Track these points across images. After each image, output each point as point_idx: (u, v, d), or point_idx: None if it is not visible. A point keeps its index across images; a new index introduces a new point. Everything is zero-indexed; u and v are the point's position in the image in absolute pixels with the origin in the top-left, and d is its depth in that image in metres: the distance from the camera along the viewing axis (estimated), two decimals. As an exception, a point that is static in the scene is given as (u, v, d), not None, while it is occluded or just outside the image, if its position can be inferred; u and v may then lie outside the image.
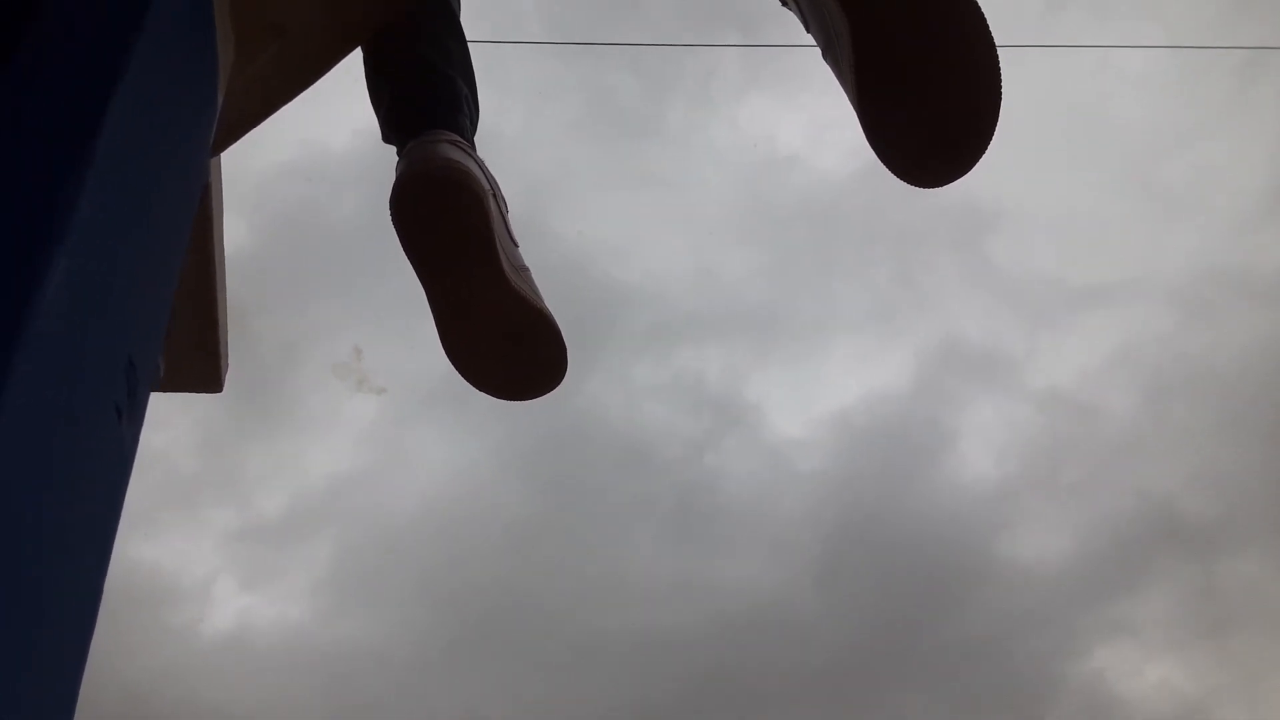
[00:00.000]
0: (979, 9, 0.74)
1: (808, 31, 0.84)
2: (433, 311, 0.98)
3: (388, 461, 9.69)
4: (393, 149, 1.00)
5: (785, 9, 0.86)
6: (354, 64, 1.08)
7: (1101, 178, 9.68)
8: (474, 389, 1.05)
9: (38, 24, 0.53)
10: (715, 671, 9.46)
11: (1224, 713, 9.19)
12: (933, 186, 0.80)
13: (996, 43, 0.75)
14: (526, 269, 1.03)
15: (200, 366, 1.23)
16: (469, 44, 1.13)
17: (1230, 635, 9.37)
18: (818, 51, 0.85)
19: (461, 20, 1.08)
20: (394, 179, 0.94)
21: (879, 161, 0.81)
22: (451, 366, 1.02)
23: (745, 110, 9.96)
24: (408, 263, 1.03)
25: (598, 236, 9.51)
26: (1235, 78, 8.77)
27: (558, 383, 1.03)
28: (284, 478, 9.56)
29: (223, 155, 1.08)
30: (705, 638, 9.50)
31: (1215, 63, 8.43)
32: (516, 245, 1.03)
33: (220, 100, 0.83)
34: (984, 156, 0.80)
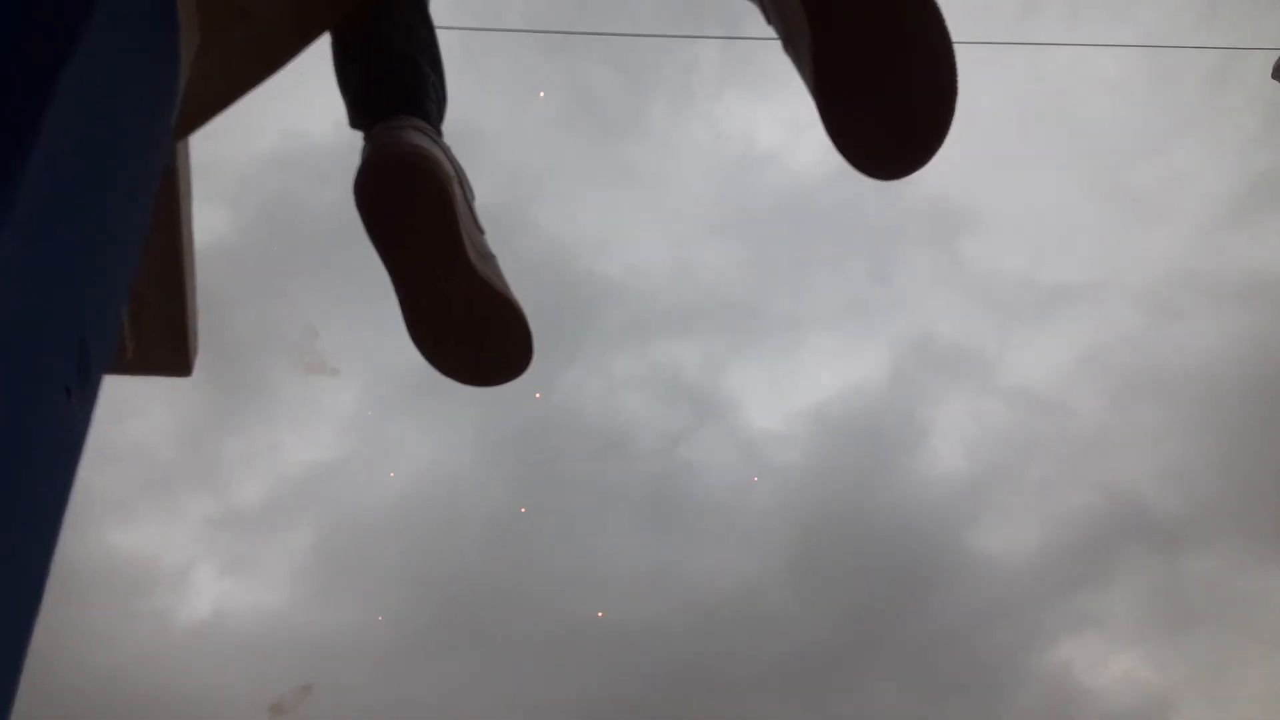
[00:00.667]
0: (935, 3, 0.75)
1: (769, 23, 0.84)
2: (398, 297, 0.98)
3: (366, 450, 9.67)
4: (360, 134, 1.00)
5: (749, 1, 0.87)
6: (331, 53, 1.08)
7: (1073, 179, 9.78)
8: (444, 376, 1.06)
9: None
10: (690, 660, 9.51)
11: (1187, 704, 9.33)
12: (890, 178, 0.82)
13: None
14: (492, 255, 1.03)
15: (169, 351, 1.23)
16: (444, 31, 1.13)
17: (1194, 629, 9.51)
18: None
19: (432, 10, 1.08)
20: (359, 164, 0.94)
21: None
22: (414, 346, 1.02)
23: (724, 107, 9.99)
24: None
25: (578, 230, 9.51)
26: (1206, 82, 8.87)
27: (523, 369, 1.04)
28: (262, 466, 9.52)
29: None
30: (680, 627, 9.54)
31: (1187, 66, 8.52)
32: (483, 232, 1.03)
33: (183, 83, 0.83)
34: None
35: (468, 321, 1.00)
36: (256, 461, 9.46)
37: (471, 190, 1.04)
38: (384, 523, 9.51)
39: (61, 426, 0.52)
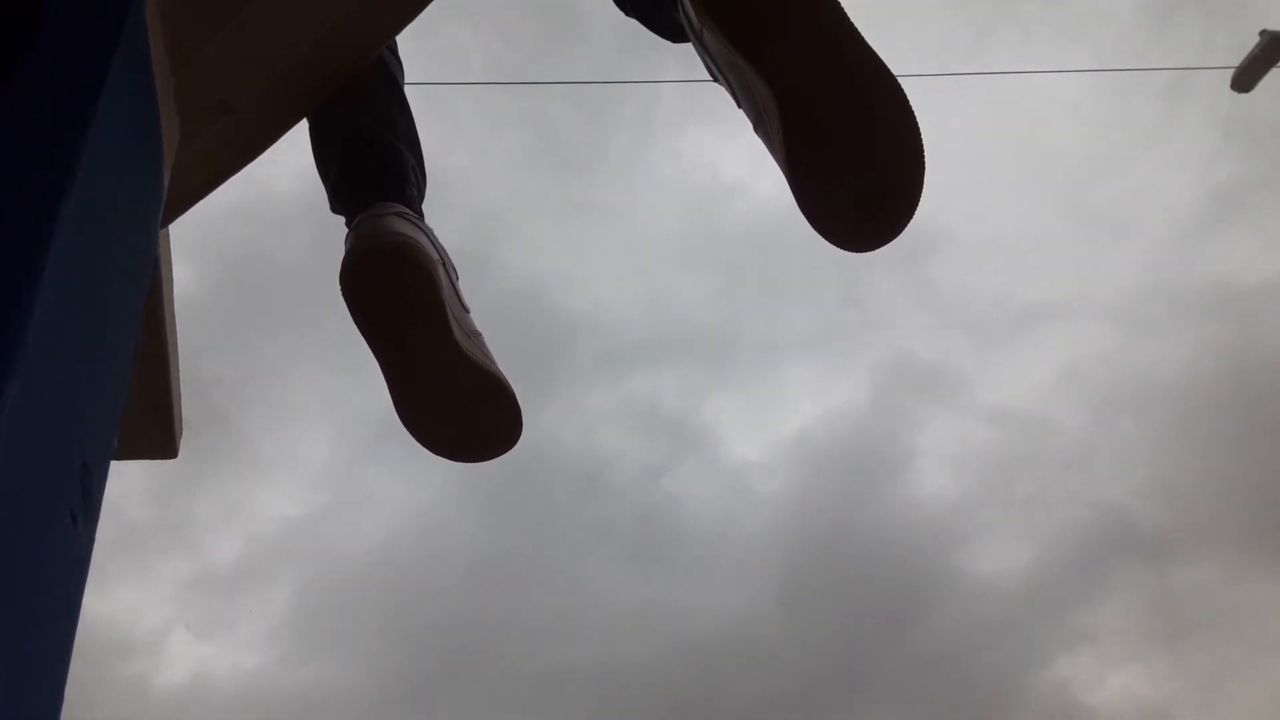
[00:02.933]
0: (896, 81, 0.78)
1: (739, 107, 0.86)
2: (386, 381, 0.99)
3: (342, 502, 9.60)
4: (341, 219, 1.01)
5: (717, 84, 0.89)
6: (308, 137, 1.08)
7: (1039, 200, 9.93)
8: (435, 455, 1.07)
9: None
10: (682, 697, 9.43)
11: (1187, 716, 9.33)
12: (863, 251, 0.84)
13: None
14: (478, 334, 1.04)
15: (155, 435, 1.23)
16: (412, 97, 1.14)
17: (1188, 641, 9.54)
18: None
19: (405, 88, 1.09)
20: (343, 254, 0.95)
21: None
22: (405, 430, 1.03)
23: (687, 139, 10.07)
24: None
25: (546, 266, 9.53)
26: (1160, 100, 9.05)
27: (513, 444, 1.05)
28: (236, 523, 9.41)
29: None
30: (670, 664, 9.48)
31: (1142, 83, 8.68)
32: (468, 311, 1.04)
33: (166, 181, 0.84)
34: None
35: (456, 401, 1.01)
36: (230, 519, 9.37)
37: (455, 270, 1.05)
38: (363, 573, 9.43)
39: (68, 553, 0.52)
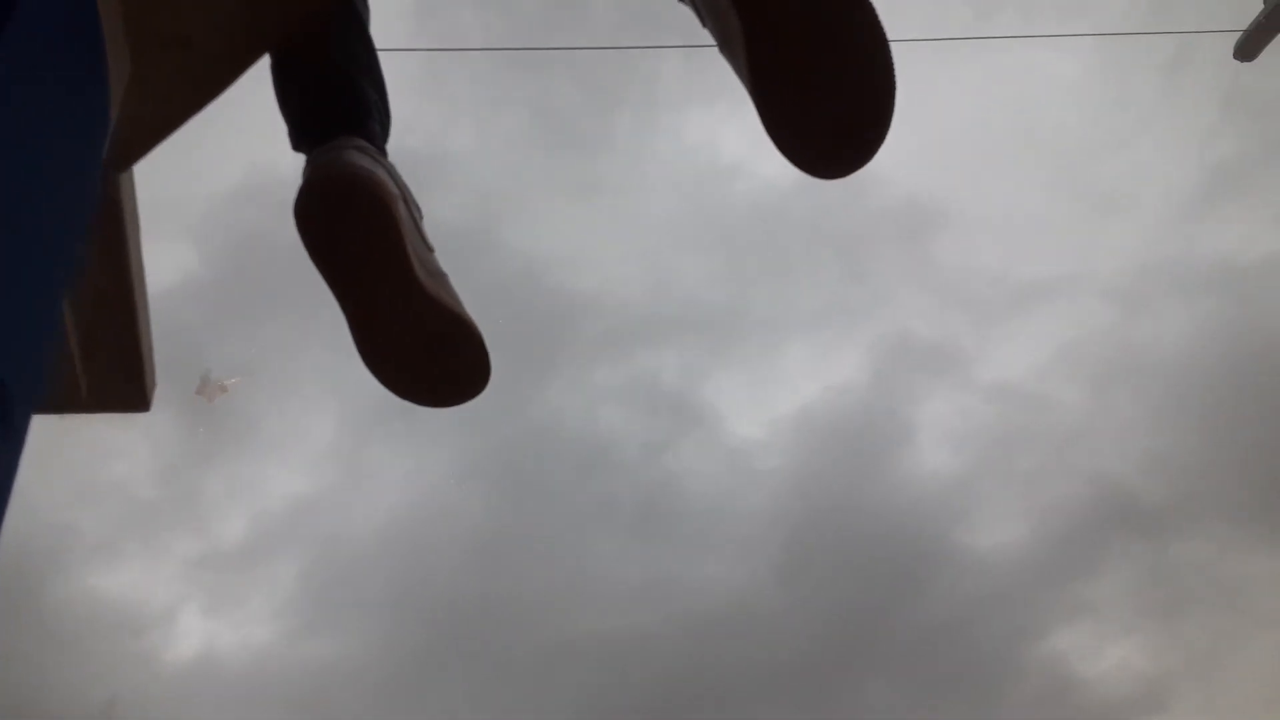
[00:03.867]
0: (868, 2, 0.75)
1: (704, 27, 0.84)
2: (346, 320, 0.97)
3: (347, 479, 9.62)
4: (303, 157, 0.99)
5: (682, 4, 0.87)
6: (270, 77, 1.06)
7: (1037, 176, 9.87)
8: (400, 399, 1.04)
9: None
10: (684, 670, 9.48)
11: (1184, 689, 9.36)
12: (832, 177, 0.81)
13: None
14: (443, 273, 1.02)
15: (125, 386, 1.21)
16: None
17: (1186, 614, 9.56)
18: None
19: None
20: (298, 187, 0.93)
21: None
22: (368, 371, 1.01)
23: (689, 118, 10.02)
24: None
25: (548, 245, 9.50)
26: (1161, 74, 8.97)
27: (481, 387, 1.03)
28: (244, 501, 9.44)
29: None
30: (672, 638, 9.52)
31: (1142, 58, 8.61)
32: (431, 250, 1.02)
33: (114, 112, 0.81)
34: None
35: (419, 341, 0.98)
36: (237, 496, 9.40)
37: (419, 209, 1.03)
38: (369, 550, 9.46)
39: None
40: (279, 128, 1.07)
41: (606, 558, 9.89)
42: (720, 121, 9.98)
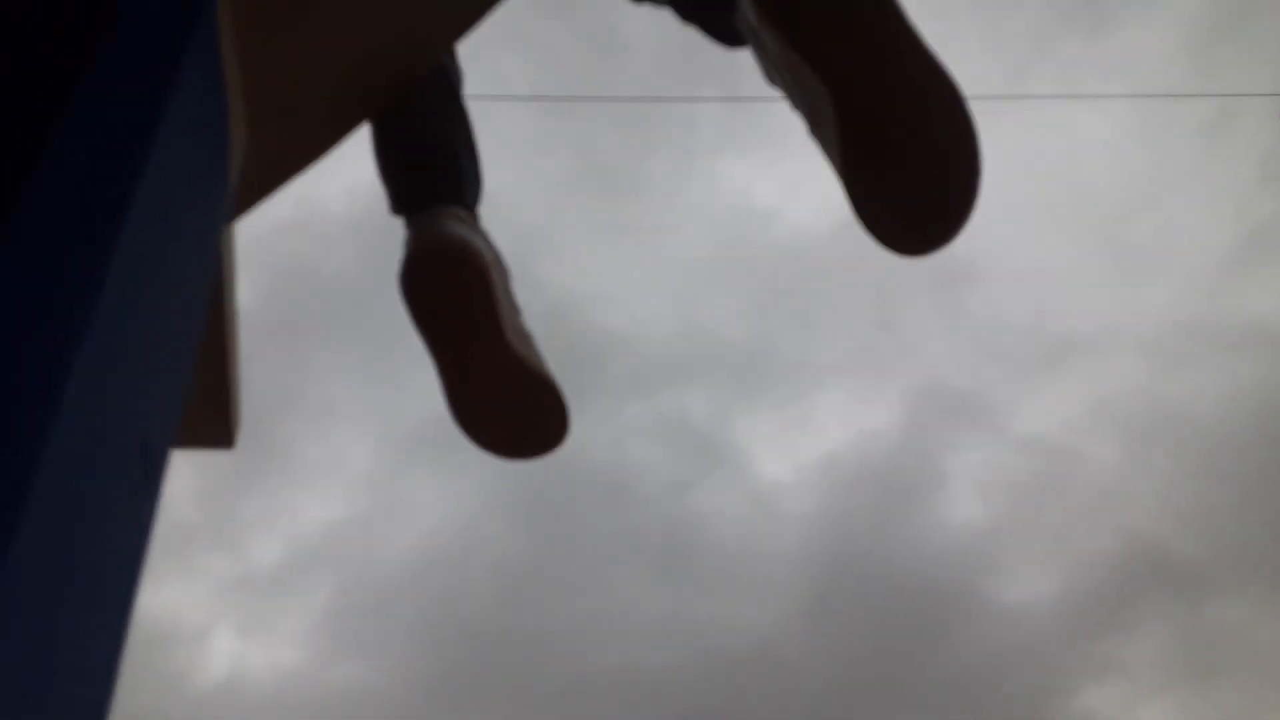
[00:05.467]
0: (956, 86, 0.78)
1: (795, 109, 0.87)
2: (441, 379, 1.02)
3: (379, 507, 9.67)
4: (399, 220, 1.03)
5: (774, 86, 0.90)
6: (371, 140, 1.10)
7: (1073, 233, 9.83)
8: (484, 451, 1.09)
9: (63, 120, 0.56)
10: (706, 709, 9.39)
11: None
12: (917, 255, 0.84)
13: (971, 106, 0.79)
14: (529, 334, 1.07)
15: (214, 424, 1.25)
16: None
17: (1221, 677, 9.36)
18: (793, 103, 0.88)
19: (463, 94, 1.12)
20: (402, 256, 0.97)
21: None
22: (455, 425, 1.05)
23: (725, 165, 10.09)
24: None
25: (583, 284, 9.57)
26: (1199, 135, 8.93)
27: (560, 441, 1.08)
28: (278, 525, 9.52)
29: None
30: (694, 677, 9.44)
31: (1179, 119, 8.59)
32: (519, 312, 1.07)
33: (233, 179, 0.86)
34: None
35: (507, 399, 1.03)
36: (274, 521, 9.48)
37: (508, 272, 1.07)
38: (399, 579, 9.49)
39: (128, 530, 0.54)
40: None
41: (632, 594, 9.86)
42: (755, 169, 10.05)
